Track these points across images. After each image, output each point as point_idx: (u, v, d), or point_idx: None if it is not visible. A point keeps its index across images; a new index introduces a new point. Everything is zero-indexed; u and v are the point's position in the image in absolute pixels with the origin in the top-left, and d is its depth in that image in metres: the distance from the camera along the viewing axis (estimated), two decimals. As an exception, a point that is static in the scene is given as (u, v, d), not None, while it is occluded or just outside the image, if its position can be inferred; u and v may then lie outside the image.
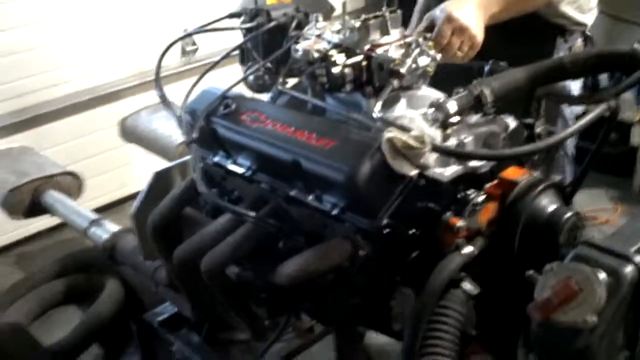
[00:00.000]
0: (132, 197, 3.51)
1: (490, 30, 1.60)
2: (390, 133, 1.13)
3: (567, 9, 1.79)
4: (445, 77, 1.36)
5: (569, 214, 1.18)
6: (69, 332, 2.53)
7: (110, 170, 3.43)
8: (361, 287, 1.30)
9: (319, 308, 1.50)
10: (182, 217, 1.61)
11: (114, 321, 2.65)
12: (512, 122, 1.32)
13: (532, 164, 1.37)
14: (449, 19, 1.56)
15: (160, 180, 1.73)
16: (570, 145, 1.77)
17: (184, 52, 3.42)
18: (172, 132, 2.67)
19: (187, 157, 1.82)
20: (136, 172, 3.31)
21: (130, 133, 2.85)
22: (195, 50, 3.41)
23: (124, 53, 3.38)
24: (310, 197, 1.26)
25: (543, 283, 0.73)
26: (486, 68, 1.42)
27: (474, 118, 1.31)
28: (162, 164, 2.43)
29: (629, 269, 0.71)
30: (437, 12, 1.59)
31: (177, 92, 2.93)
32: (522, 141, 1.32)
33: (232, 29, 1.51)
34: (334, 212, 1.22)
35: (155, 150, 2.73)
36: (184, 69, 3.43)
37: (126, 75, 3.38)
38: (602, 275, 0.70)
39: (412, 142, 1.12)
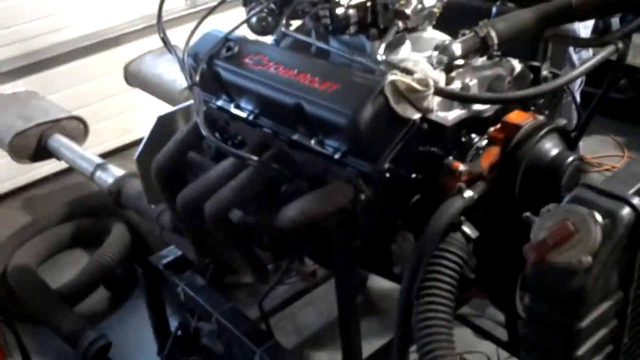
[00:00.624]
0: (137, 142, 3.51)
1: None
2: (394, 76, 1.12)
3: None
4: (452, 19, 1.34)
5: (571, 158, 1.18)
6: (77, 274, 2.57)
7: (115, 115, 3.43)
8: (363, 230, 1.31)
9: (322, 251, 1.52)
10: (186, 161, 1.61)
11: (120, 264, 2.70)
12: (517, 65, 1.30)
13: (538, 108, 1.36)
14: None
15: (164, 125, 1.73)
16: (577, 89, 1.75)
17: (189, -4, 3.37)
18: (176, 76, 2.64)
19: (191, 102, 1.82)
20: (141, 117, 3.29)
21: (134, 78, 2.82)
22: (200, -7, 3.36)
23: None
24: (313, 141, 1.26)
25: (539, 224, 0.73)
26: (494, 9, 1.40)
27: (480, 61, 1.30)
28: (166, 108, 2.43)
29: (625, 211, 0.71)
30: None
31: (181, 36, 2.90)
32: (528, 84, 1.31)
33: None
34: (336, 156, 1.22)
35: (159, 95, 2.71)
36: (188, 12, 3.38)
37: (130, 19, 3.34)
38: (599, 217, 0.70)
39: (415, 85, 1.11)
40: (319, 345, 2.48)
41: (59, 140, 2.35)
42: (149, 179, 1.71)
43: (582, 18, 1.22)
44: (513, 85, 1.30)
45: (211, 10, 1.41)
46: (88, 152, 2.28)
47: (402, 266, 1.31)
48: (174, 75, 2.67)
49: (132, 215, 2.73)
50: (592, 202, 0.72)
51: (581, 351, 0.76)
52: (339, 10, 1.26)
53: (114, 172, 2.13)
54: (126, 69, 2.84)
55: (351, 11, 1.27)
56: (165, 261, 1.99)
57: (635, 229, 0.73)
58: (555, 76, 1.33)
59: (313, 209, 1.22)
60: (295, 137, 1.29)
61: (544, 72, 1.33)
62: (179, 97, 2.57)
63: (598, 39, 1.20)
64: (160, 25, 1.44)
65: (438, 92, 1.14)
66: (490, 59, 1.31)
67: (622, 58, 1.21)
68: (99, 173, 2.14)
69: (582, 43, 1.44)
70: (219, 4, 1.43)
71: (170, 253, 2.03)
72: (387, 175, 1.18)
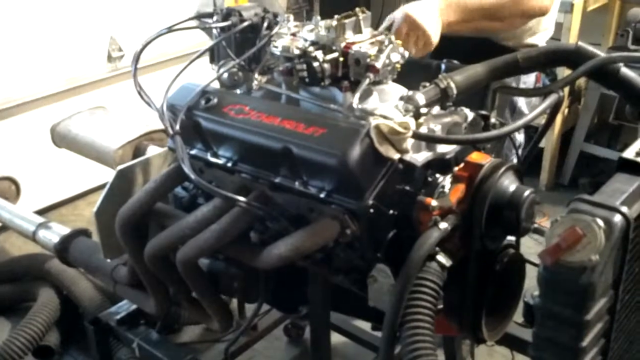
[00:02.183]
0: (68, 201, 3.46)
1: (446, 50, 1.75)
2: (377, 120, 1.25)
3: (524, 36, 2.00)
4: (406, 74, 1.50)
5: (527, 192, 1.34)
6: (1, 344, 2.45)
7: (44, 175, 3.34)
8: (343, 266, 1.40)
9: (293, 292, 1.59)
10: (151, 212, 1.65)
11: (49, 331, 2.60)
12: (470, 114, 1.47)
13: (485, 150, 1.53)
14: (406, 17, 1.71)
15: (123, 178, 1.75)
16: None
17: (110, 58, 3.40)
18: (108, 137, 2.65)
19: (148, 156, 1.87)
20: (69, 176, 3.25)
21: (62, 139, 2.79)
22: (122, 57, 3.39)
23: (51, 60, 3.32)
24: (297, 183, 1.35)
25: (551, 232, 0.86)
26: (442, 66, 1.58)
27: (436, 110, 1.45)
28: (95, 168, 2.43)
29: (618, 218, 0.86)
30: (397, 13, 1.74)
31: (103, 98, 2.92)
32: (480, 130, 1.48)
33: (208, 27, 1.58)
34: (322, 194, 1.31)
35: (91, 156, 2.69)
36: (110, 75, 3.40)
37: (55, 82, 3.32)
38: (600, 222, 0.84)
39: (397, 128, 1.25)
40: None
41: (-7, 201, 2.28)
42: (108, 232, 1.72)
43: (528, 71, 1.41)
44: (468, 131, 1.46)
45: (190, 62, 1.49)
46: (27, 212, 2.23)
47: (377, 299, 1.40)
48: (106, 136, 2.68)
49: (63, 279, 2.66)
50: (591, 212, 0.86)
51: (585, 342, 0.89)
52: (316, 64, 1.39)
53: (58, 230, 2.10)
54: (53, 130, 2.80)
55: (326, 65, 1.40)
56: (117, 317, 1.97)
57: (625, 233, 0.87)
58: (501, 124, 1.50)
59: (303, 244, 1.30)
60: (278, 180, 1.38)
61: (492, 120, 1.50)
62: (113, 157, 2.58)
63: (541, 89, 1.39)
64: (135, 79, 1.50)
65: (416, 135, 1.28)
66: (444, 109, 1.47)
67: (560, 104, 1.41)
68: (42, 232, 2.10)
69: (527, 93, 1.65)
70: (197, 57, 1.51)
71: (121, 309, 2.01)
72: (371, 211, 1.29)
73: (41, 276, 2.72)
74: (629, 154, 0.99)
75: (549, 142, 3.80)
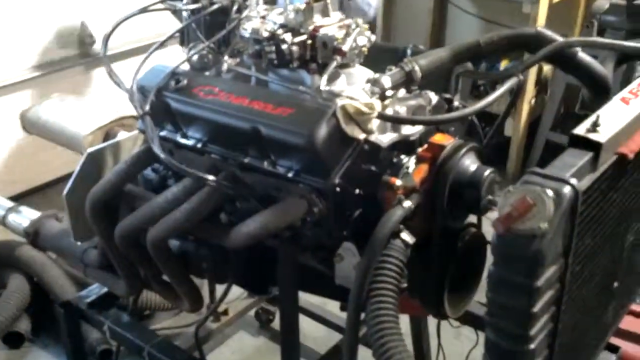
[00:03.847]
0: (39, 188, 3.43)
1: None
2: (343, 100, 1.28)
3: None
4: (371, 58, 1.54)
5: (488, 171, 1.39)
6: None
7: (14, 163, 3.32)
8: (310, 244, 1.44)
9: (263, 273, 1.62)
10: (121, 194, 1.66)
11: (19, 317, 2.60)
12: (434, 97, 1.51)
13: (449, 133, 1.57)
14: None
15: (93, 161, 1.77)
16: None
17: (82, 44, 3.38)
18: (78, 123, 2.65)
19: (118, 139, 1.88)
20: (39, 164, 3.23)
21: (32, 125, 2.77)
22: (93, 43, 3.38)
23: (23, 46, 3.29)
24: (265, 163, 1.38)
25: (503, 202, 0.90)
26: (408, 51, 1.62)
27: (402, 93, 1.49)
28: (64, 154, 2.43)
29: (567, 189, 0.91)
30: None
31: (75, 84, 2.90)
32: (444, 113, 1.52)
33: (177, 9, 1.60)
34: (290, 174, 1.35)
35: (61, 142, 2.68)
36: (81, 61, 3.39)
37: (24, 68, 3.29)
38: (550, 192, 0.88)
39: (363, 108, 1.28)
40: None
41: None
42: (78, 215, 1.74)
43: (490, 55, 1.45)
44: (432, 114, 1.50)
45: (157, 47, 1.51)
46: (-3, 196, 2.22)
47: (344, 277, 1.44)
48: (77, 121, 2.68)
49: (33, 265, 2.66)
50: (541, 183, 0.91)
51: (537, 308, 0.94)
52: (284, 47, 1.42)
53: (28, 214, 2.10)
54: (23, 116, 2.79)
55: (294, 48, 1.42)
56: (87, 300, 1.99)
57: (574, 203, 0.92)
58: (464, 107, 1.54)
59: (271, 222, 1.34)
60: (247, 160, 1.41)
61: (456, 103, 1.54)
62: (83, 142, 2.58)
63: (502, 72, 1.44)
64: (105, 59, 1.51)
65: (381, 116, 1.31)
66: (409, 92, 1.51)
67: (520, 89, 1.46)
68: (12, 216, 2.10)
69: (488, 77, 1.70)
70: (165, 41, 1.53)
71: (91, 293, 2.02)
72: (338, 189, 1.32)
73: (11, 263, 2.71)
74: (580, 130, 1.04)
75: (516, 131, 3.88)
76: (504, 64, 3.71)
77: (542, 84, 4.05)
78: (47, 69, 3.29)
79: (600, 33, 3.53)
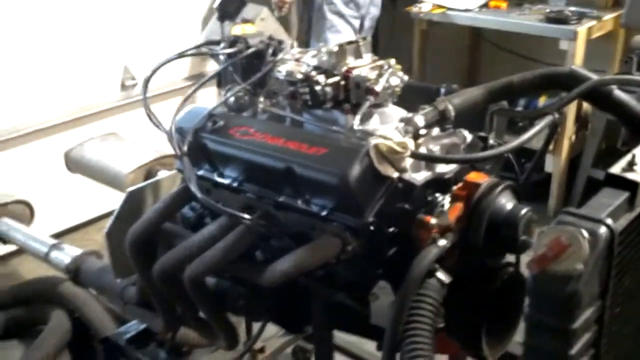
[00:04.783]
0: (80, 226, 3.52)
1: None
2: (377, 139, 1.30)
3: None
4: (406, 97, 1.55)
5: (524, 210, 1.38)
6: (15, 364, 2.49)
7: (57, 200, 3.41)
8: (344, 283, 1.44)
9: (298, 311, 1.62)
10: (159, 231, 1.69)
11: (59, 353, 2.63)
12: (468, 135, 1.51)
13: (484, 171, 1.57)
14: None
15: (133, 200, 1.81)
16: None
17: (124, 86, 3.49)
18: (120, 162, 2.72)
19: (157, 178, 1.92)
20: (81, 202, 3.31)
21: (76, 164, 2.86)
22: (135, 85, 3.49)
23: (66, 88, 3.41)
24: (299, 202, 1.39)
25: (537, 243, 0.89)
26: (442, 90, 1.63)
27: (436, 131, 1.50)
28: (108, 194, 2.49)
29: (603, 229, 0.90)
30: None
31: (117, 125, 2.99)
32: (479, 152, 1.52)
33: (216, 53, 1.64)
34: (323, 213, 1.36)
35: (103, 181, 2.75)
36: (123, 102, 3.49)
37: (69, 110, 3.41)
38: (585, 233, 0.88)
39: (396, 147, 1.29)
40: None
41: (7, 224, 2.35)
42: (118, 253, 1.77)
43: (523, 94, 1.45)
44: (466, 152, 1.50)
45: (197, 88, 1.55)
46: (40, 234, 2.29)
47: (379, 316, 1.43)
48: (118, 160, 2.75)
49: (75, 301, 2.70)
50: (576, 223, 0.90)
51: (574, 351, 0.92)
52: (318, 88, 1.44)
53: (70, 251, 2.15)
54: (67, 156, 2.88)
55: (327, 89, 1.45)
56: (126, 337, 2.01)
57: (610, 244, 0.91)
58: (500, 146, 1.54)
59: (305, 261, 1.34)
60: (282, 199, 1.42)
61: (491, 141, 1.54)
62: (125, 181, 2.64)
63: (537, 111, 1.44)
64: (145, 102, 1.56)
65: (414, 155, 1.32)
66: (443, 131, 1.52)
67: (556, 127, 1.45)
68: (54, 253, 2.15)
69: (523, 115, 1.69)
70: (204, 82, 1.58)
71: (130, 329, 2.05)
72: (371, 228, 1.33)
73: (53, 299, 2.76)
74: (616, 169, 1.03)
75: (557, 168, 3.83)
76: (542, 100, 3.69)
77: (582, 120, 4.00)
78: (91, 110, 3.40)
79: (640, 68, 3.49)
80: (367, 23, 4.24)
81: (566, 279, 0.87)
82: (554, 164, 3.81)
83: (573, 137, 3.90)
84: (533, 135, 1.40)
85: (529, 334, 0.96)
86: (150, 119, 1.55)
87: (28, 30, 3.27)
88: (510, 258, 1.46)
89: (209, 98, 1.61)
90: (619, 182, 1.01)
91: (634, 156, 1.04)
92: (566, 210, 0.93)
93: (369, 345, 2.40)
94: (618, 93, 1.41)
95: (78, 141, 3.11)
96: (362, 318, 1.46)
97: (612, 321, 1.02)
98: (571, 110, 3.74)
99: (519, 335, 1.50)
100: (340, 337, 2.32)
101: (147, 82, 1.59)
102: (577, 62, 3.52)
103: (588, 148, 3.89)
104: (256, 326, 1.92)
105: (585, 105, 3.93)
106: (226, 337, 1.73)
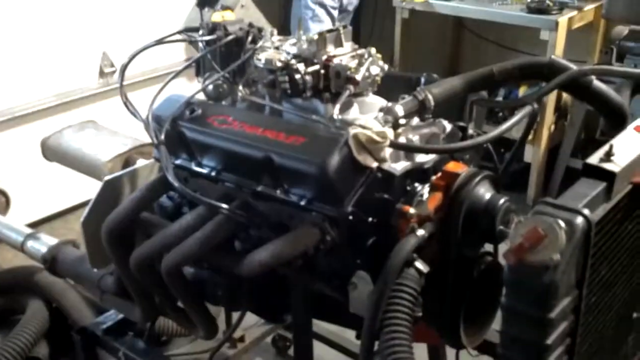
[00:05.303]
0: (58, 215, 3.48)
1: None
2: (356, 129, 1.29)
3: None
4: (385, 87, 1.54)
5: (502, 200, 1.38)
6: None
7: (34, 189, 3.37)
8: (324, 272, 1.43)
9: (277, 300, 1.62)
10: (136, 221, 1.68)
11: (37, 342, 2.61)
12: (448, 125, 1.51)
13: (463, 161, 1.57)
14: None
15: (110, 189, 1.79)
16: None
17: (102, 74, 3.44)
18: (98, 149, 2.69)
19: (135, 167, 1.90)
20: (59, 190, 3.27)
21: (53, 152, 2.82)
22: (114, 72, 3.44)
23: (44, 75, 3.36)
24: (278, 191, 1.38)
25: (514, 233, 0.89)
26: (422, 79, 1.62)
27: (415, 121, 1.49)
28: (85, 182, 2.45)
29: (579, 220, 0.90)
30: None
31: (95, 113, 2.95)
32: (458, 141, 1.51)
33: (194, 40, 1.62)
34: (302, 202, 1.35)
35: (81, 169, 2.72)
36: (101, 90, 3.44)
37: (45, 96, 3.35)
38: (562, 223, 0.88)
39: (375, 137, 1.28)
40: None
41: (-18, 213, 2.31)
42: (95, 242, 1.75)
43: (503, 84, 1.45)
44: (446, 142, 1.50)
45: (174, 76, 1.53)
46: (16, 223, 2.25)
47: (358, 305, 1.43)
48: (96, 149, 2.71)
49: (52, 290, 2.67)
50: (553, 214, 0.90)
51: (550, 340, 0.93)
52: (298, 77, 1.43)
53: (46, 240, 2.12)
54: (44, 144, 2.83)
55: (307, 77, 1.44)
56: (104, 327, 1.99)
57: (587, 234, 0.91)
58: (478, 135, 1.54)
59: (283, 251, 1.34)
60: (260, 188, 1.41)
61: (470, 131, 1.54)
62: (103, 169, 2.61)
63: (516, 101, 1.44)
64: (121, 89, 1.53)
65: (393, 144, 1.31)
66: (423, 121, 1.51)
67: (535, 117, 1.45)
68: (30, 242, 2.12)
69: (502, 105, 1.69)
70: (181, 70, 1.55)
71: (107, 319, 2.03)
72: (351, 218, 1.32)
73: (30, 288, 2.73)
74: (593, 160, 1.03)
75: (536, 158, 3.85)
76: (522, 91, 3.70)
77: (562, 110, 4.03)
78: (69, 98, 3.35)
79: (620, 59, 3.51)
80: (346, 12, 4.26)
81: (543, 269, 0.87)
82: (533, 154, 3.84)
83: (552, 128, 3.93)
84: (512, 125, 1.40)
85: (506, 323, 0.96)
86: (127, 107, 1.53)
87: (4, 16, 3.21)
88: (489, 248, 1.47)
89: (188, 86, 1.58)
90: (597, 173, 1.01)
91: (611, 146, 1.04)
92: (543, 200, 0.93)
93: (348, 334, 2.42)
94: (597, 84, 1.41)
95: (55, 129, 3.07)
96: (341, 307, 1.46)
97: (589, 311, 1.02)
98: (551, 100, 3.76)
99: (497, 323, 1.51)
100: (320, 325, 2.33)
101: (124, 69, 1.56)
102: (557, 52, 3.53)
103: (567, 138, 3.92)
104: (236, 316, 1.91)
105: (565, 96, 3.96)
106: (204, 327, 1.72)
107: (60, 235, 2.18)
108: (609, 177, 1.01)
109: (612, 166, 1.02)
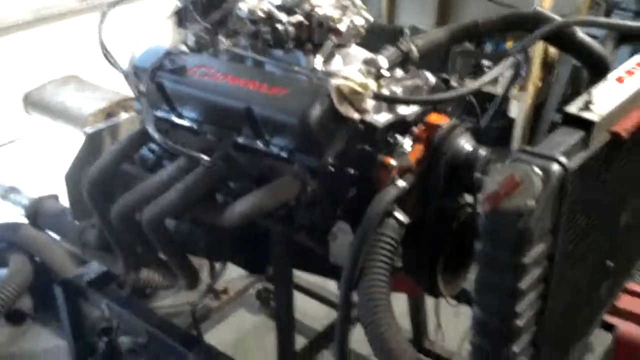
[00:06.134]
0: None
1: None
2: (338, 80, 1.28)
3: None
4: (370, 38, 1.53)
5: (483, 151, 1.38)
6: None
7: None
8: (304, 223, 1.44)
9: (259, 252, 1.63)
10: (118, 173, 1.67)
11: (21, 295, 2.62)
12: (431, 77, 1.50)
13: (446, 113, 1.56)
14: None
15: (92, 142, 1.77)
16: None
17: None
18: (81, 103, 2.66)
19: (116, 120, 1.88)
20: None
21: (35, 106, 2.79)
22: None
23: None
24: (259, 143, 1.38)
25: (490, 180, 0.90)
26: (406, 31, 1.61)
27: (399, 73, 1.48)
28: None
29: (555, 167, 0.91)
30: None
31: (72, 31, 2.78)
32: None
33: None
34: (283, 154, 1.35)
35: (64, 122, 2.70)
36: (79, 7, 3.34)
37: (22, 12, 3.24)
38: (537, 170, 0.88)
39: (357, 88, 1.27)
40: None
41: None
42: (77, 195, 1.74)
43: (487, 35, 1.44)
44: (429, 94, 1.49)
45: (160, 23, 1.50)
46: (-2, 177, 2.24)
47: (338, 255, 1.44)
48: (79, 102, 2.69)
49: (35, 245, 2.67)
50: (530, 161, 0.90)
51: (523, 285, 0.94)
52: (280, 27, 1.41)
53: (26, 194, 2.11)
54: (26, 98, 2.80)
55: (290, 28, 1.42)
56: (86, 279, 2.00)
57: (563, 181, 0.92)
58: (461, 87, 1.53)
59: (264, 202, 1.34)
60: (241, 140, 1.41)
61: (453, 83, 1.53)
62: (85, 123, 2.59)
63: (499, 53, 1.43)
64: (101, 38, 1.51)
65: (376, 95, 1.31)
66: (406, 73, 1.50)
67: (518, 69, 1.44)
68: (12, 195, 2.11)
69: (486, 56, 1.68)
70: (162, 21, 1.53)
71: (90, 271, 2.04)
72: (331, 169, 1.32)
73: (13, 243, 2.73)
74: (573, 108, 1.03)
75: (521, 112, 3.84)
76: (509, 45, 3.67)
77: (548, 66, 4.01)
78: (45, 13, 3.20)
79: (608, 14, 3.49)
80: None
81: (518, 216, 0.88)
82: (519, 109, 3.83)
83: (539, 83, 3.91)
84: (494, 75, 1.39)
85: (480, 270, 0.97)
86: (107, 57, 1.51)
87: None
88: (470, 199, 1.47)
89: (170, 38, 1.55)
90: (576, 121, 1.01)
91: (591, 95, 1.04)
92: (521, 148, 0.93)
93: (329, 284, 2.45)
94: (581, 35, 1.40)
95: (31, 46, 2.99)
96: (321, 258, 1.47)
97: (565, 258, 1.04)
98: (537, 55, 3.73)
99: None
100: (304, 277, 2.35)
101: (103, 16, 1.53)
102: (545, 7, 3.50)
103: (553, 93, 3.92)
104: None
105: (552, 51, 3.94)
106: (186, 278, 1.72)
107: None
108: (587, 126, 1.01)
109: (591, 115, 1.02)
